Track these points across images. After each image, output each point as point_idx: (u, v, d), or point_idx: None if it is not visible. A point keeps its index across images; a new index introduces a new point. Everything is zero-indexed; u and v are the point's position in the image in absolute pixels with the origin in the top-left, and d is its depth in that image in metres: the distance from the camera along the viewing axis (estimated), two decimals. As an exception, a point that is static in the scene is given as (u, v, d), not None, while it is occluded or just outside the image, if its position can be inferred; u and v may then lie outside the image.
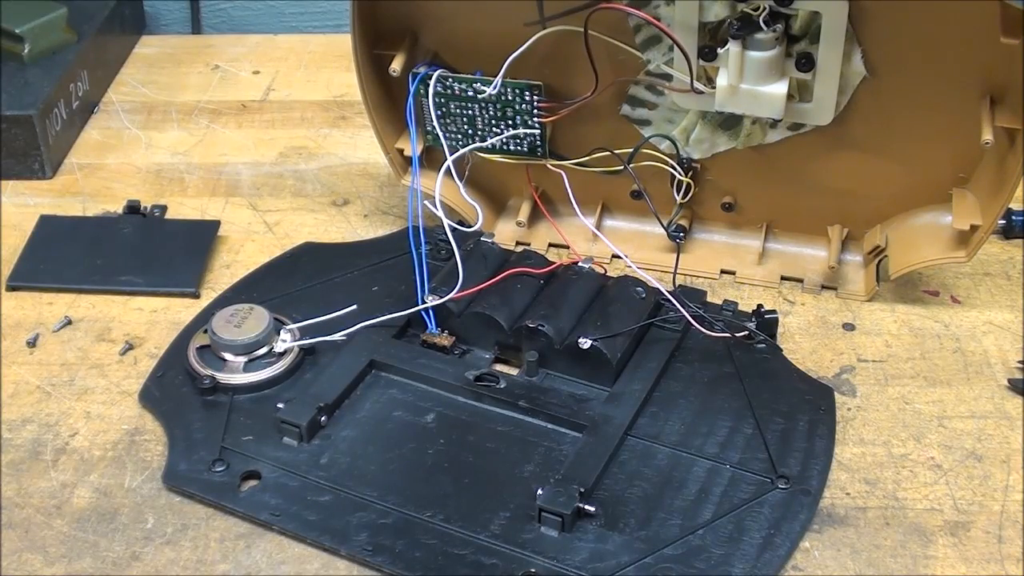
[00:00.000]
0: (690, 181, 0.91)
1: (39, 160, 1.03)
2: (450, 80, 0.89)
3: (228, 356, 0.82)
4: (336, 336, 0.83)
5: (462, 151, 0.91)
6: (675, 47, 0.83)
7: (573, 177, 0.91)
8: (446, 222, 0.87)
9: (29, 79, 1.06)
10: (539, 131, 0.90)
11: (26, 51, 1.07)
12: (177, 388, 0.81)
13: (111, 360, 0.85)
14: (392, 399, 0.81)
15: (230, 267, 0.94)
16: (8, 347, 0.86)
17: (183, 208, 1.00)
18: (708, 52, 0.84)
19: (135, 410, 0.81)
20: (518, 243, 0.96)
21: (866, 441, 0.79)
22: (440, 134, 0.91)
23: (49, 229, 0.96)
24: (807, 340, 0.87)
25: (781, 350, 0.84)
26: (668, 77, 0.86)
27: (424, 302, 0.84)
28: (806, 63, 0.83)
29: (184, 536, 0.73)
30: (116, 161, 1.07)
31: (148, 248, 0.94)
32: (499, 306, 0.83)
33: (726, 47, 0.82)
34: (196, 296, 0.91)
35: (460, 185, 0.91)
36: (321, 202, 1.01)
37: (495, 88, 0.88)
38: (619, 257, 0.91)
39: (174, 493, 0.75)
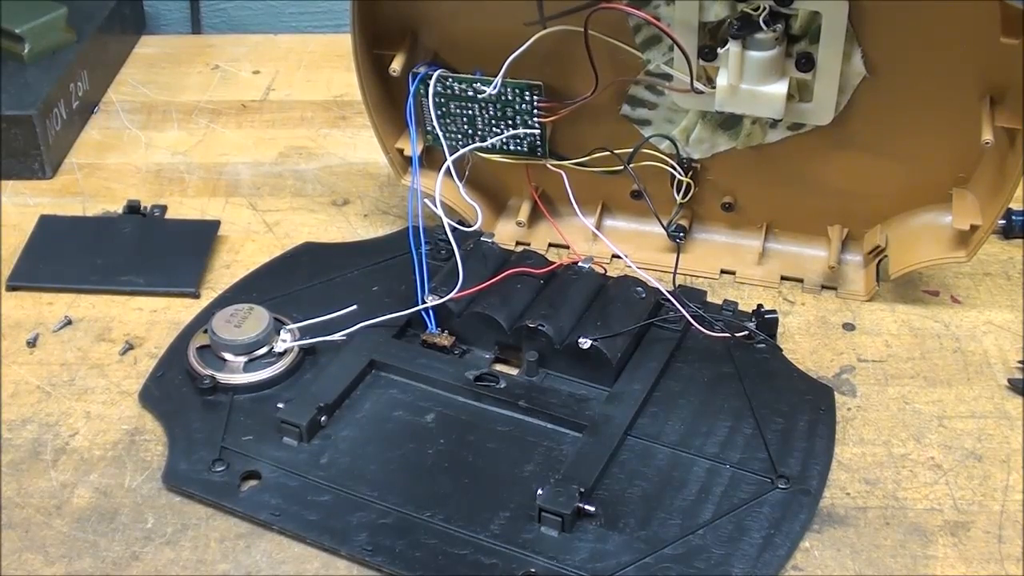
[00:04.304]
0: (690, 181, 0.91)
1: (39, 160, 1.03)
2: (450, 80, 0.89)
3: (228, 356, 0.82)
4: (336, 336, 0.83)
5: (462, 151, 0.91)
6: (675, 47, 0.83)
7: (573, 177, 0.91)
8: (446, 222, 0.87)
9: (29, 79, 1.06)
10: (539, 131, 0.90)
11: (26, 51, 1.07)
12: (177, 388, 0.81)
13: (111, 360, 0.85)
14: (392, 399, 0.81)
15: (230, 267, 0.94)
16: (8, 347, 0.86)
17: (183, 208, 1.00)
18: (708, 52, 0.84)
19: (135, 410, 0.81)
20: (518, 243, 0.96)
21: (866, 441, 0.79)
22: (440, 134, 0.91)
23: (49, 229, 0.96)
24: (807, 340, 0.87)
25: (781, 350, 0.84)
26: (668, 77, 0.86)
27: (424, 302, 0.84)
28: (806, 63, 0.83)
29: (184, 536, 0.73)
30: (116, 161, 1.07)
31: (148, 248, 0.94)
32: (499, 306, 0.83)
33: (726, 47, 0.82)
34: (196, 296, 0.91)
35: (460, 185, 0.91)
36: (321, 202, 1.01)
37: (495, 88, 0.88)
38: (619, 257, 0.91)
39: (174, 493, 0.75)
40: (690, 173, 0.91)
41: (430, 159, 0.94)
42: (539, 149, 0.92)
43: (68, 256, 0.93)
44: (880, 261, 0.91)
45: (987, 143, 0.81)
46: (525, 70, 0.87)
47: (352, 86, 0.92)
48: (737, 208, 0.93)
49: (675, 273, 0.89)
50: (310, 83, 1.18)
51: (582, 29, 0.82)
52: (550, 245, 0.96)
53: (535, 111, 0.89)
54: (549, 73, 0.88)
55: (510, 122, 0.90)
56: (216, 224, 0.97)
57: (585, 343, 0.80)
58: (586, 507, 0.72)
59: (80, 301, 0.90)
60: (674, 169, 0.90)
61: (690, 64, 0.83)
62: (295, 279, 0.91)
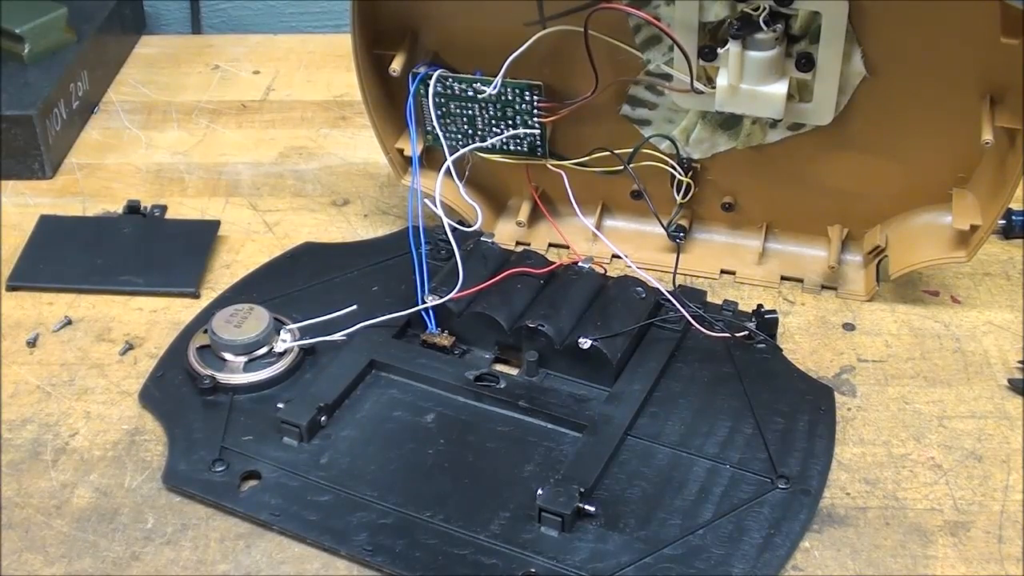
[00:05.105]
0: (690, 181, 0.91)
1: (39, 160, 1.03)
2: (450, 80, 0.89)
3: (228, 356, 0.82)
4: (336, 336, 0.83)
5: (462, 151, 0.91)
6: (675, 47, 0.83)
7: (573, 177, 0.91)
8: (446, 222, 0.87)
9: (29, 79, 1.06)
10: (539, 131, 0.90)
11: (26, 51, 1.07)
12: (177, 388, 0.81)
13: (111, 360, 0.85)
14: (392, 399, 0.81)
15: (230, 267, 0.94)
16: (8, 347, 0.86)
17: (183, 208, 1.00)
18: (708, 52, 0.84)
19: (135, 410, 0.81)
20: (518, 243, 0.96)
21: (866, 441, 0.79)
22: (440, 134, 0.91)
23: (49, 229, 0.96)
24: (807, 340, 0.87)
25: (781, 350, 0.84)
26: (668, 77, 0.86)
27: (424, 302, 0.84)
28: (806, 63, 0.83)
29: (184, 536, 0.73)
30: (116, 161, 1.07)
31: (148, 248, 0.94)
32: (499, 306, 0.83)
33: (726, 47, 0.82)
34: (196, 296, 0.91)
35: (460, 185, 0.91)
36: (321, 202, 1.01)
37: (495, 88, 0.88)
38: (619, 257, 0.91)
39: (174, 493, 0.75)
40: (690, 173, 0.91)
41: (430, 159, 0.94)
42: (539, 149, 0.92)
43: (68, 256, 0.93)
44: (880, 261, 0.91)
45: (987, 143, 0.81)
46: (525, 70, 0.87)
47: (352, 86, 0.93)
48: (737, 208, 0.93)
49: (675, 273, 0.89)
50: (310, 83, 1.18)
51: (582, 29, 0.82)
52: (550, 245, 0.96)
53: (535, 111, 0.89)
54: (549, 73, 0.88)
55: (510, 122, 0.90)
56: (216, 224, 0.97)
57: (585, 343, 0.80)
58: (586, 507, 0.72)
59: (80, 301, 0.90)
60: (674, 169, 0.90)
61: (690, 64, 0.83)
62: (295, 279, 0.91)
